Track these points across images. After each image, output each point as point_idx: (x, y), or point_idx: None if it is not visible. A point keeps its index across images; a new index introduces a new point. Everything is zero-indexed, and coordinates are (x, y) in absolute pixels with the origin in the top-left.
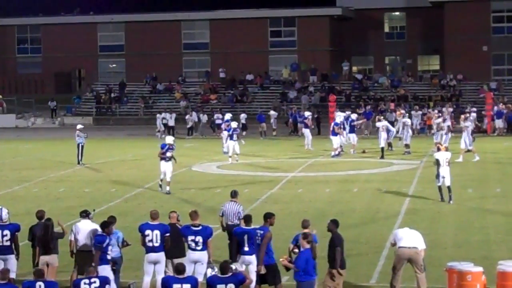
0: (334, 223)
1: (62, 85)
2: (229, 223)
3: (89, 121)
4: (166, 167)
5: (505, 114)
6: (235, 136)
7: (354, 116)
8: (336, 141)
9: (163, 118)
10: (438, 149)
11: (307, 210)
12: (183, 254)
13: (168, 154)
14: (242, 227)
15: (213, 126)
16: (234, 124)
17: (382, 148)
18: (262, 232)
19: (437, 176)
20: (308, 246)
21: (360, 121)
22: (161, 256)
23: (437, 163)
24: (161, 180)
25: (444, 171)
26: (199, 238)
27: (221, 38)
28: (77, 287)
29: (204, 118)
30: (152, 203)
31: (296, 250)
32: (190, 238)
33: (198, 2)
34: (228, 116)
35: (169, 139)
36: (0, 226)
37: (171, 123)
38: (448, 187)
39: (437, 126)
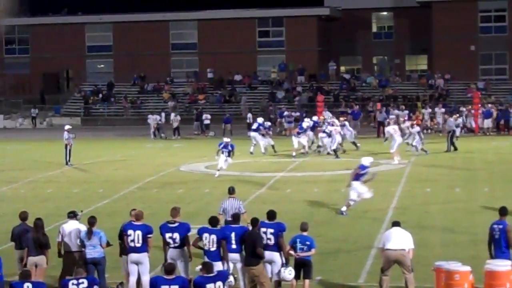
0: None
1: (50, 85)
2: (228, 219)
3: (77, 122)
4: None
5: (493, 114)
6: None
7: (315, 118)
8: (295, 142)
9: (154, 119)
10: None
11: (296, 210)
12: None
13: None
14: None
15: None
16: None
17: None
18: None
19: None
20: None
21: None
22: (142, 257)
23: None
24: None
25: None
26: (176, 235)
27: (209, 38)
28: (65, 287)
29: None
30: (140, 204)
31: (292, 252)
32: (167, 235)
33: (186, 2)
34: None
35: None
36: None
37: (175, 124)
38: None
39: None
